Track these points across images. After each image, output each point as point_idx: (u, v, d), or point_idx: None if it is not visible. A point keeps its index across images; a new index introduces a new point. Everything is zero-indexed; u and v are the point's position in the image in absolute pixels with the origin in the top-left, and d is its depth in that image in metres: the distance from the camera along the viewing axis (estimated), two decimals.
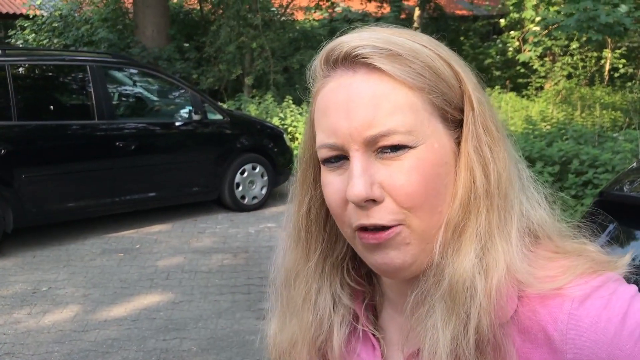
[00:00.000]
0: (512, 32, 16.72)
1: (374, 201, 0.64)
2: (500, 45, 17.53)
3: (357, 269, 0.79)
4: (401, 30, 0.69)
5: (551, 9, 11.61)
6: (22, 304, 4.31)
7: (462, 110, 0.68)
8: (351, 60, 0.66)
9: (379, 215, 0.64)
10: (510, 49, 16.68)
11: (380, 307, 0.79)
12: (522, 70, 15.80)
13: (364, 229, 0.65)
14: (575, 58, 15.31)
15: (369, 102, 0.64)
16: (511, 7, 14.80)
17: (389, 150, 0.63)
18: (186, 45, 13.40)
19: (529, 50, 12.95)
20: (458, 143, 0.68)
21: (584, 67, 15.48)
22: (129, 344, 3.76)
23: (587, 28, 8.83)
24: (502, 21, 16.96)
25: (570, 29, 9.16)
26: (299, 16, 15.34)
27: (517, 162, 0.71)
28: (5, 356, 3.59)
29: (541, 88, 15.42)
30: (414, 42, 0.67)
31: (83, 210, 5.74)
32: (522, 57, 12.86)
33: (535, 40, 12.22)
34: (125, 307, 4.28)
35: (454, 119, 0.68)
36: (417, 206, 0.64)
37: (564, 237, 0.70)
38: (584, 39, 12.62)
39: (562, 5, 10.10)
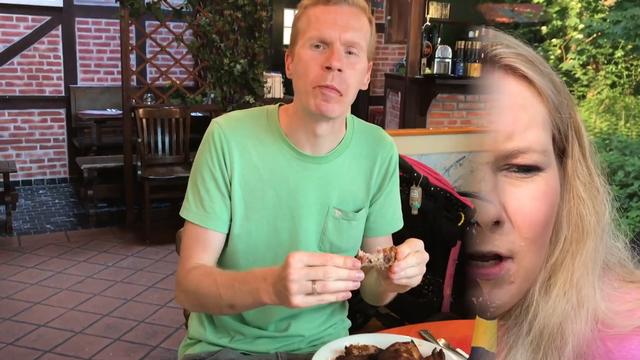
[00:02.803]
0: (554, 40, 16.46)
1: (497, 224, 0.56)
2: (541, 53, 17.20)
3: None
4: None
5: (596, 16, 11.37)
6: None
7: (566, 138, 0.60)
8: (490, 61, 0.60)
9: (498, 242, 0.56)
10: (552, 57, 16.42)
11: None
12: (564, 78, 15.46)
13: (473, 257, 0.58)
14: (620, 66, 14.96)
15: (508, 110, 0.56)
16: (554, 15, 14.56)
17: (517, 170, 0.56)
18: None
19: (572, 59, 12.71)
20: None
21: (629, 75, 15.11)
22: None
23: (635, 36, 8.61)
24: (544, 29, 16.68)
25: (616, 37, 8.94)
26: None
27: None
28: None
29: (583, 97, 15.06)
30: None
31: None
32: (565, 66, 12.63)
33: (579, 48, 11.99)
34: None
35: (559, 146, 0.60)
36: (536, 238, 0.57)
37: (634, 263, 0.65)
38: (630, 47, 12.32)
39: (608, 13, 9.88)
